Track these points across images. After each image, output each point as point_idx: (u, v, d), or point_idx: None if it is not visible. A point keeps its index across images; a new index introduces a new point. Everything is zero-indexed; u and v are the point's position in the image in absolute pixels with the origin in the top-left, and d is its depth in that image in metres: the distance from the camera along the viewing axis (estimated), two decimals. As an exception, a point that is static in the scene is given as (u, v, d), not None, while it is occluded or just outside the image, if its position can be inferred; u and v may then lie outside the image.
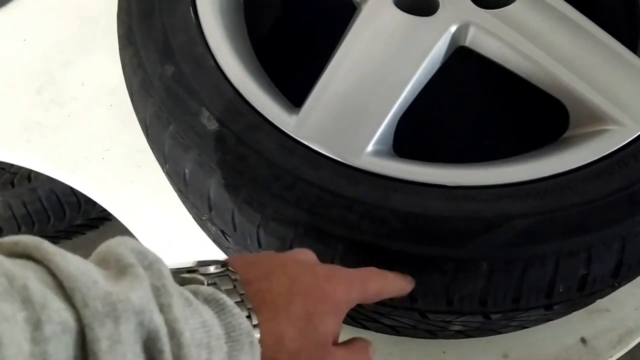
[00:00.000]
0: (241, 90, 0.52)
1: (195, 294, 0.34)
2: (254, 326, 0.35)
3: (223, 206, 0.49)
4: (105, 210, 0.72)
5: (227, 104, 0.51)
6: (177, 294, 0.31)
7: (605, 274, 0.46)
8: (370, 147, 0.50)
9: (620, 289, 0.50)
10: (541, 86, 0.52)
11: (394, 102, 0.51)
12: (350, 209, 0.46)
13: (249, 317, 0.35)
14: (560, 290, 0.46)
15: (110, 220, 1.13)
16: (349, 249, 0.45)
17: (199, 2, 0.56)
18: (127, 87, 0.54)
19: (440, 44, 0.54)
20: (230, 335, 0.33)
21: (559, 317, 0.56)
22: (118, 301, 0.27)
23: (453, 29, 0.54)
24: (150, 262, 0.31)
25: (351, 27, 0.55)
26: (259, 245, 0.48)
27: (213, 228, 0.54)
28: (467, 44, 0.55)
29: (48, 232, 1.02)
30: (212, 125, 0.50)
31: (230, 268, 0.37)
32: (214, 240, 0.59)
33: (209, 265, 0.37)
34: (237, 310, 0.34)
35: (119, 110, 0.77)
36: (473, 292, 0.45)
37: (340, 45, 0.54)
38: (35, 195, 0.96)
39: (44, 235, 0.60)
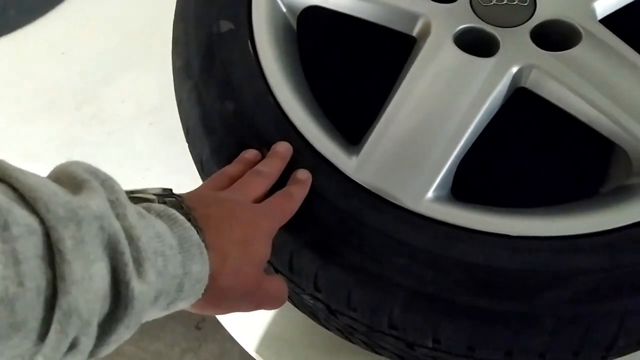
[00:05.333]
0: (301, 130, 0.52)
1: (148, 209, 0.36)
2: (202, 241, 0.37)
3: (281, 247, 0.49)
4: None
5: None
6: (131, 206, 0.33)
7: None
8: (430, 193, 0.50)
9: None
10: (602, 131, 0.52)
11: (456, 146, 0.51)
12: (413, 257, 0.46)
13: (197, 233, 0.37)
14: (621, 345, 0.46)
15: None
16: (411, 299, 0.45)
17: (257, 37, 0.56)
18: (182, 123, 0.54)
19: (501, 86, 0.53)
20: (183, 245, 0.35)
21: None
22: (78, 207, 0.29)
23: (514, 70, 0.53)
24: (102, 180, 0.32)
25: (411, 64, 0.55)
26: (315, 289, 0.48)
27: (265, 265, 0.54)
28: (527, 85, 0.55)
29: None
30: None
31: (175, 193, 0.41)
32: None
33: (156, 189, 0.40)
34: (188, 224, 0.37)
35: (159, 128, 0.77)
36: (534, 347, 0.45)
37: (400, 84, 0.54)
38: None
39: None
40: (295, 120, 0.52)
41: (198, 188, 0.47)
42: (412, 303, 0.45)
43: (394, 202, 0.49)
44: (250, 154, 0.50)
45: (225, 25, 0.56)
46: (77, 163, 0.33)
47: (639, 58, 0.53)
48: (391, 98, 0.53)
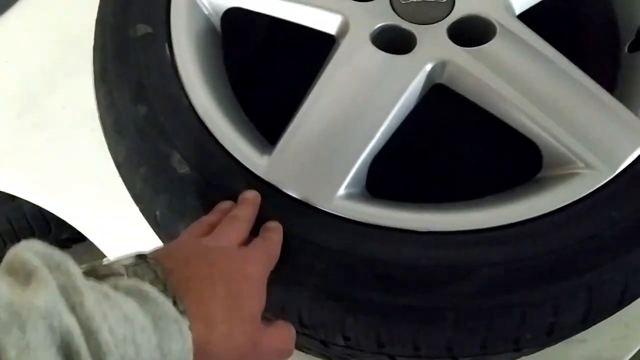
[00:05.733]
0: (213, 132, 0.52)
1: (116, 287, 0.33)
2: (182, 313, 0.34)
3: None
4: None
5: (197, 145, 0.51)
6: (90, 291, 0.30)
7: (574, 321, 0.46)
8: (342, 191, 0.50)
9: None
10: (514, 126, 0.52)
11: (367, 144, 0.51)
12: (318, 256, 0.46)
13: (175, 304, 0.35)
14: (528, 337, 0.46)
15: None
16: (316, 296, 0.46)
17: (174, 40, 0.56)
18: (101, 125, 0.54)
19: (416, 83, 0.53)
20: (158, 324, 0.32)
21: (532, 353, 0.56)
22: (22, 307, 0.27)
23: (429, 67, 0.53)
24: (57, 263, 0.30)
25: (327, 63, 0.55)
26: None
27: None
28: (444, 82, 0.55)
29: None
30: (182, 169, 0.50)
31: (149, 259, 0.37)
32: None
33: (127, 258, 0.37)
34: (162, 298, 0.34)
35: (101, 135, 0.77)
36: (439, 340, 0.45)
37: (315, 82, 0.54)
38: (20, 212, 0.96)
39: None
40: (208, 123, 0.52)
41: (180, 237, 0.45)
42: (317, 302, 0.46)
43: (304, 201, 0.49)
44: (226, 204, 0.48)
45: (142, 29, 0.56)
46: (30, 246, 0.31)
47: (553, 51, 0.54)
48: (306, 98, 0.54)
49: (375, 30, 0.56)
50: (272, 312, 0.47)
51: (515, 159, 0.54)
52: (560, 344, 0.59)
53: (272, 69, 0.66)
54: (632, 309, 0.48)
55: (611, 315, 0.46)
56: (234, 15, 0.61)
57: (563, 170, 0.50)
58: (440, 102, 0.56)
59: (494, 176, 0.56)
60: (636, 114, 0.52)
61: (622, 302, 0.46)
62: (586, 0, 0.70)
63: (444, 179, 0.58)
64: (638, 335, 0.63)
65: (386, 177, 0.54)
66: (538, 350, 0.55)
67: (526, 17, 0.59)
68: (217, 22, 0.61)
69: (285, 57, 0.66)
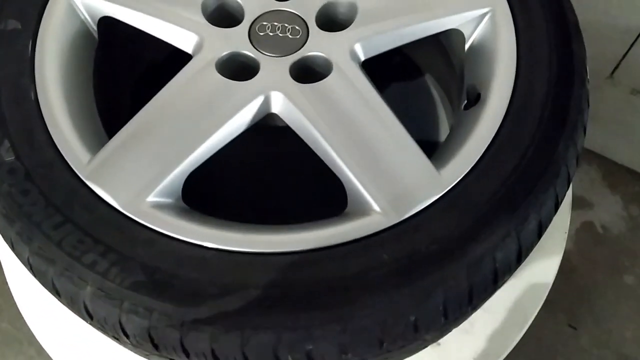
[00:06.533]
0: (48, 125, 0.55)
1: None
2: None
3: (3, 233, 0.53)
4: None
5: (28, 136, 0.54)
6: None
7: (330, 351, 0.48)
8: (152, 198, 0.53)
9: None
10: (325, 161, 0.55)
11: (184, 158, 0.54)
12: (104, 255, 0.49)
13: None
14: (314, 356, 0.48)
15: None
16: (96, 293, 0.49)
17: (39, 38, 0.60)
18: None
19: (247, 109, 0.57)
20: None
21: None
22: None
23: (261, 97, 0.57)
24: None
25: (174, 78, 0.59)
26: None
27: None
28: (276, 111, 0.58)
29: None
30: (9, 157, 0.54)
31: None
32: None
33: None
34: None
35: None
36: (204, 350, 0.48)
37: (158, 93, 0.58)
38: None
39: None
40: (46, 115, 0.56)
41: None
42: (96, 300, 0.49)
43: (109, 203, 0.52)
44: None
45: (12, 24, 0.60)
46: None
47: (376, 99, 0.57)
48: (145, 106, 0.57)
49: (223, 55, 0.60)
50: (65, 302, 0.51)
51: (338, 191, 0.57)
52: None
53: (140, 79, 0.70)
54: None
55: (369, 354, 0.49)
56: (112, 22, 0.65)
57: (361, 208, 0.53)
58: (283, 130, 0.60)
59: (310, 205, 0.59)
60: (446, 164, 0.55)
61: (382, 343, 0.49)
62: (429, 59, 0.74)
63: (269, 202, 0.61)
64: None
65: (217, 195, 0.58)
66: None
67: (378, 65, 0.62)
68: (93, 27, 0.65)
69: (156, 68, 0.70)
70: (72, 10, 0.63)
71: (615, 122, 1.27)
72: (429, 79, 0.86)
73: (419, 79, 0.86)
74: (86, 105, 0.61)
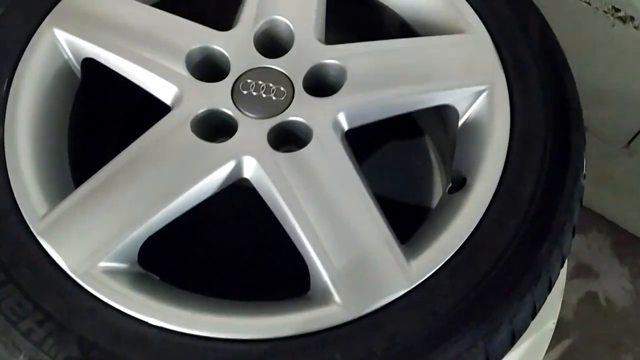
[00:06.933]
0: (9, 171, 0.53)
1: None
2: None
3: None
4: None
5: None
6: None
7: None
8: (104, 262, 0.50)
9: None
10: (290, 237, 0.52)
11: (144, 220, 0.51)
12: (42, 324, 0.47)
13: None
14: None
15: None
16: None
17: (16, 74, 0.58)
18: None
19: (218, 172, 0.54)
20: None
21: None
22: None
23: (234, 160, 0.54)
24: None
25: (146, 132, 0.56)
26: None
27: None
28: (247, 177, 0.55)
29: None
30: (-38, 203, 0.52)
31: None
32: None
33: None
34: None
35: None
36: None
37: (127, 147, 0.55)
38: None
39: None
40: (8, 160, 0.53)
41: None
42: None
43: (58, 263, 0.50)
44: None
45: (-10, 59, 0.59)
46: None
47: (354, 180, 0.53)
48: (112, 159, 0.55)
49: (201, 112, 0.57)
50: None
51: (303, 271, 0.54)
52: None
53: (118, 126, 0.68)
54: None
55: None
56: (97, 63, 0.63)
57: (321, 295, 0.50)
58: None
59: (277, 276, 0.56)
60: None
61: None
62: (429, 121, 0.73)
63: (236, 266, 0.58)
64: None
65: (180, 257, 0.55)
66: None
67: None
68: (76, 67, 0.63)
69: (136, 114, 0.68)
70: (56, 49, 0.61)
71: (630, 191, 1.22)
72: (428, 141, 0.82)
73: (418, 139, 0.83)
74: (56, 151, 0.59)
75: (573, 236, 0.55)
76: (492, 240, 0.51)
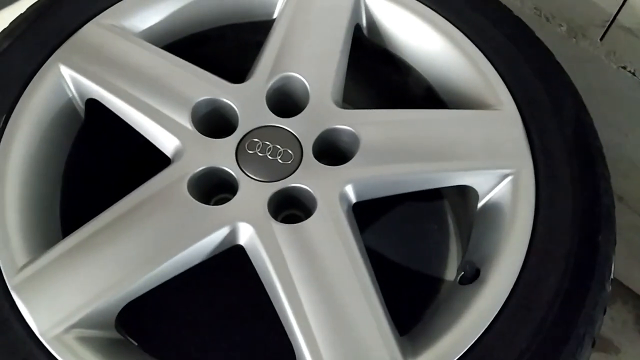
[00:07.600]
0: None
1: None
2: None
3: None
4: None
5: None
6: None
7: None
8: (77, 328, 0.46)
9: None
10: (279, 316, 0.48)
11: (124, 286, 0.47)
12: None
13: None
14: None
15: None
16: None
17: (14, 112, 0.55)
18: None
19: (210, 239, 0.50)
20: None
21: None
22: None
23: (226, 229, 0.50)
24: None
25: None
26: None
27: None
28: (242, 244, 0.51)
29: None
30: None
31: None
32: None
33: None
34: None
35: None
36: None
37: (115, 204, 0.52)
38: None
39: None
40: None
41: None
42: None
43: (28, 324, 0.46)
44: None
45: (-9, 95, 0.56)
46: None
47: (357, 260, 0.49)
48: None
49: (201, 169, 0.53)
50: None
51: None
52: None
53: (115, 173, 0.64)
54: None
55: None
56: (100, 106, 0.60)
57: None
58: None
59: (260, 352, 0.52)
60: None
61: None
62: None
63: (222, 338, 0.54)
64: None
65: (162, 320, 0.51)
66: None
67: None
68: (80, 107, 0.60)
69: (134, 166, 0.65)
70: (60, 86, 0.58)
71: (660, 266, 1.15)
72: (446, 206, 0.77)
73: (436, 202, 0.78)
74: (47, 197, 0.55)
75: (593, 347, 0.50)
76: (501, 349, 0.45)
